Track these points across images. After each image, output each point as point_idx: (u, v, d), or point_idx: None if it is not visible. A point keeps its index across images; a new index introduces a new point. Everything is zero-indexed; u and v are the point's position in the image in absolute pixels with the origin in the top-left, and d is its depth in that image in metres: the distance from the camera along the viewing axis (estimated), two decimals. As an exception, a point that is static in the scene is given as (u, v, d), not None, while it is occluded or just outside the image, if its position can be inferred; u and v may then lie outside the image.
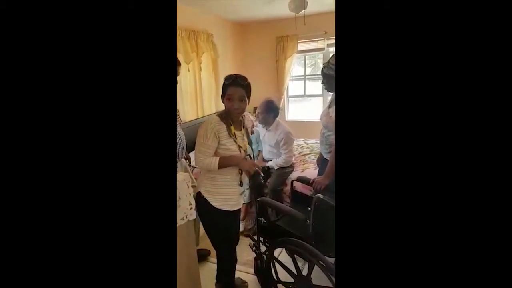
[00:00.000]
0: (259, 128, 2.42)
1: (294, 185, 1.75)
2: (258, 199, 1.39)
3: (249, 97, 1.22)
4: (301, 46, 3.56)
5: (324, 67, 1.47)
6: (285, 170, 2.19)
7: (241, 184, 1.28)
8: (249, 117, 1.23)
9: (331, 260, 1.14)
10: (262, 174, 1.27)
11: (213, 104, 3.19)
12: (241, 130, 1.30)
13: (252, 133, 2.43)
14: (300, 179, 1.69)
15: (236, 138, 1.23)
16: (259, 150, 2.45)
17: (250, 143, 1.34)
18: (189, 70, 2.73)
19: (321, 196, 1.16)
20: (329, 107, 1.53)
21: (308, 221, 1.20)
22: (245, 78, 1.19)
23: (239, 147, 1.24)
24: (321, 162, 1.69)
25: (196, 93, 2.93)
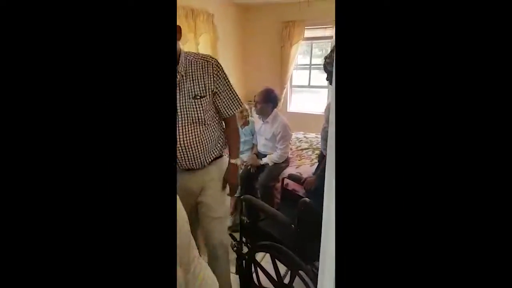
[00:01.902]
0: (255, 119, 2.27)
1: (285, 183, 1.63)
2: (242, 196, 1.30)
3: None
4: (308, 33, 3.35)
5: (325, 62, 1.31)
6: (279, 165, 2.05)
7: None
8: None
9: (318, 264, 1.03)
10: None
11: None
12: None
13: (247, 123, 2.29)
14: (292, 177, 1.57)
15: None
16: (253, 144, 2.31)
17: None
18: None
19: (307, 200, 1.04)
20: None
21: (293, 226, 1.09)
22: None
23: None
24: (319, 159, 1.56)
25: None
